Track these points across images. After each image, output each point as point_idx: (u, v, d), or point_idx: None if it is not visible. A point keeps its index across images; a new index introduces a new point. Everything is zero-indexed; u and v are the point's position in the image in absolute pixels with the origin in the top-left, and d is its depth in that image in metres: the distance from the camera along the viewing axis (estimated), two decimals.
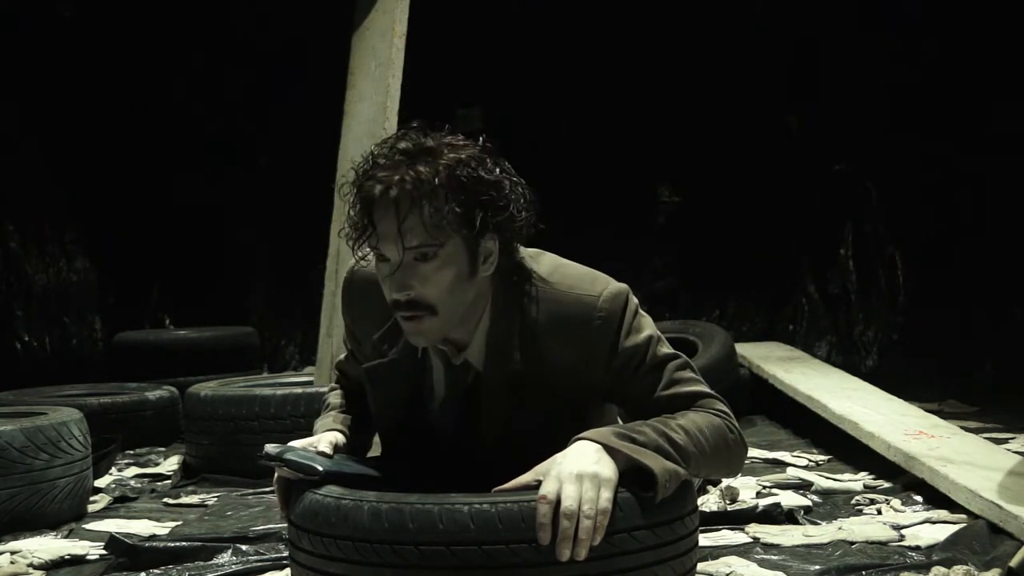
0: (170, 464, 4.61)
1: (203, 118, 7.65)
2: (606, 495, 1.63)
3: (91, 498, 3.79)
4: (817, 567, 2.74)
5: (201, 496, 3.95)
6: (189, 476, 4.30)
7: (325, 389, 2.33)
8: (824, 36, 7.41)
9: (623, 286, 1.88)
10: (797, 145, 7.54)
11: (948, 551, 2.81)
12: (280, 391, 4.28)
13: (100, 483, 4.10)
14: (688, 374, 1.88)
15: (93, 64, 7.41)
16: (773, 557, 2.86)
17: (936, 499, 3.35)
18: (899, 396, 4.75)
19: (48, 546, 3.17)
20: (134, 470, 4.57)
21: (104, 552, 3.07)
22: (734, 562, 2.79)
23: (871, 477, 3.89)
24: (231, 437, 4.20)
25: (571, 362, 1.84)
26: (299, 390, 4.28)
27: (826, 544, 2.96)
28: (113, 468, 4.50)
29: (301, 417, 4.04)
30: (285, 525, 1.92)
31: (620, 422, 2.00)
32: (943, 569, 2.64)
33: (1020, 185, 6.74)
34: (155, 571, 2.90)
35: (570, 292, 1.86)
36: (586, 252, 2.05)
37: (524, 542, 1.61)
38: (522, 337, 1.85)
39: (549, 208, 1.88)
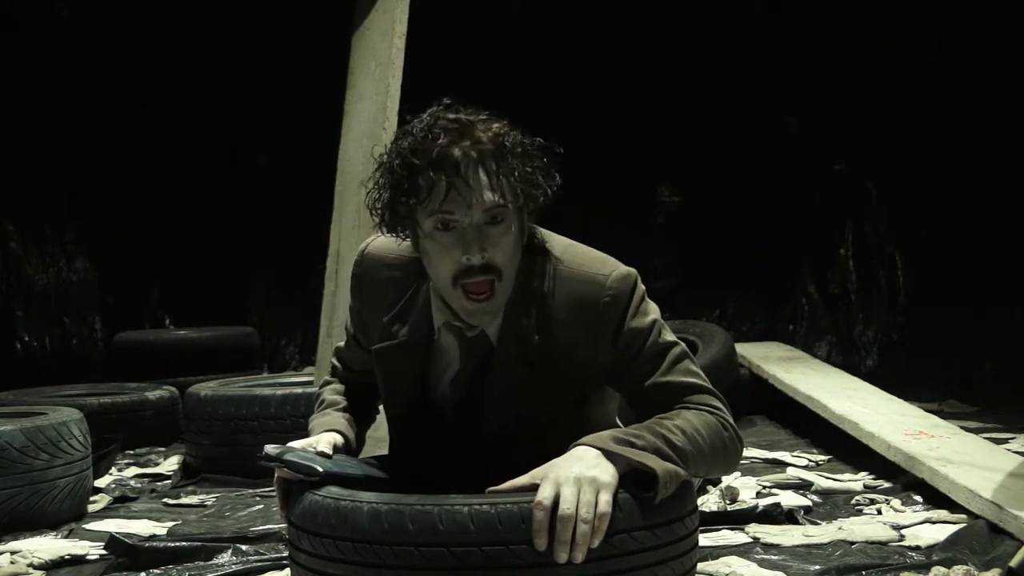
0: (170, 464, 4.61)
1: (203, 118, 7.64)
2: (605, 498, 1.63)
3: (91, 498, 3.79)
4: (817, 567, 2.74)
5: (201, 496, 3.95)
6: (189, 476, 4.30)
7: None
8: (824, 35, 7.41)
9: (632, 270, 1.91)
10: (797, 145, 7.54)
11: (948, 551, 2.81)
12: (280, 391, 4.29)
13: (100, 483, 4.11)
14: (687, 365, 1.89)
15: (92, 64, 7.41)
16: (773, 557, 2.86)
17: (936, 499, 3.35)
18: (899, 396, 4.75)
19: (48, 546, 3.17)
20: (134, 470, 4.57)
21: (104, 552, 3.07)
22: (734, 562, 2.79)
23: (871, 477, 3.89)
24: (231, 437, 4.20)
25: (578, 340, 1.85)
26: (299, 390, 4.29)
27: (826, 544, 2.96)
28: (113, 468, 4.50)
29: (301, 417, 4.04)
30: (285, 525, 1.92)
31: (618, 420, 2.01)
32: (943, 569, 2.64)
33: (1020, 185, 6.74)
34: (155, 571, 2.90)
35: (581, 270, 1.88)
36: None
37: (524, 543, 1.61)
38: (537, 312, 1.87)
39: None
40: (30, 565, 3.01)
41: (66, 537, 3.33)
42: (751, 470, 4.08)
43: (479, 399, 1.91)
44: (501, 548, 1.61)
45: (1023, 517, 2.84)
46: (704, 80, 7.48)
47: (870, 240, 7.44)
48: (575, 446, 1.71)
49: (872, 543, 2.96)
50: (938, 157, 7.07)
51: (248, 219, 7.82)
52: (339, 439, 1.99)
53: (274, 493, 1.93)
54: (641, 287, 1.90)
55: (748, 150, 7.48)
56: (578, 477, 1.63)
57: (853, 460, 4.16)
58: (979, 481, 3.20)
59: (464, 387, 1.93)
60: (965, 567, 2.64)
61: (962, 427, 4.27)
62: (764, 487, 3.75)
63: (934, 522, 3.14)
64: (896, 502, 3.45)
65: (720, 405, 1.87)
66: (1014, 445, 4.38)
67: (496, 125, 1.82)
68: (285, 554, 2.79)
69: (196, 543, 3.04)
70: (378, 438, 2.18)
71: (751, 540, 3.03)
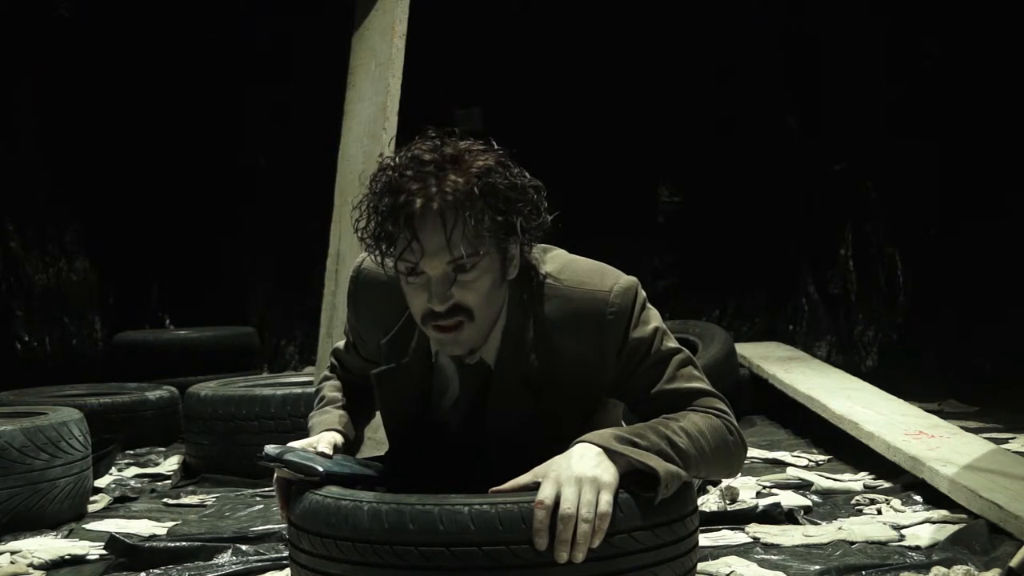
0: (170, 464, 4.61)
1: (203, 118, 7.64)
2: (606, 498, 1.63)
3: (91, 498, 3.79)
4: (817, 567, 2.74)
5: (201, 496, 3.95)
6: (189, 476, 4.30)
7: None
8: (824, 35, 7.41)
9: (632, 279, 1.89)
10: (797, 145, 7.54)
11: (948, 551, 2.82)
12: (280, 391, 4.28)
13: (100, 483, 4.11)
14: (691, 370, 1.89)
15: (93, 64, 7.41)
16: (773, 557, 2.86)
17: (936, 499, 3.36)
18: (899, 396, 4.75)
19: (48, 546, 3.17)
20: (134, 470, 4.57)
21: (104, 552, 3.07)
22: (734, 562, 2.79)
23: (871, 477, 3.89)
24: (231, 437, 4.20)
25: (582, 357, 1.84)
26: (299, 390, 4.29)
27: (826, 544, 2.96)
28: (113, 468, 4.50)
29: (301, 417, 4.03)
30: (285, 525, 1.91)
31: (623, 423, 2.01)
32: (943, 569, 2.65)
33: (1021, 184, 6.74)
34: (155, 571, 2.90)
35: (581, 287, 1.86)
36: (586, 252, 2.05)
37: (525, 543, 1.61)
38: (535, 334, 1.85)
39: (549, 208, 1.88)
40: (30, 565, 3.01)
41: (66, 537, 3.33)
42: (751, 470, 4.08)
43: (481, 422, 1.91)
44: (502, 548, 1.61)
45: (1023, 517, 2.84)
46: (704, 80, 7.48)
47: (870, 240, 7.44)
48: (577, 443, 1.71)
49: (872, 543, 2.96)
50: (938, 157, 7.07)
51: (248, 219, 7.82)
52: (339, 439, 1.98)
53: (274, 493, 1.93)
54: (642, 295, 1.89)
55: (748, 150, 7.48)
56: (579, 476, 1.63)
57: (853, 460, 4.16)
58: (979, 481, 3.20)
59: (465, 411, 1.93)
60: (965, 567, 2.64)
61: (962, 427, 4.27)
62: (764, 487, 3.75)
63: (934, 522, 3.14)
64: (896, 502, 3.45)
65: (725, 408, 1.87)
66: (1014, 445, 4.38)
67: (478, 163, 1.75)
68: (285, 554, 2.79)
69: (196, 543, 3.04)
70: (378, 440, 2.18)
71: (751, 540, 3.03)
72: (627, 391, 1.89)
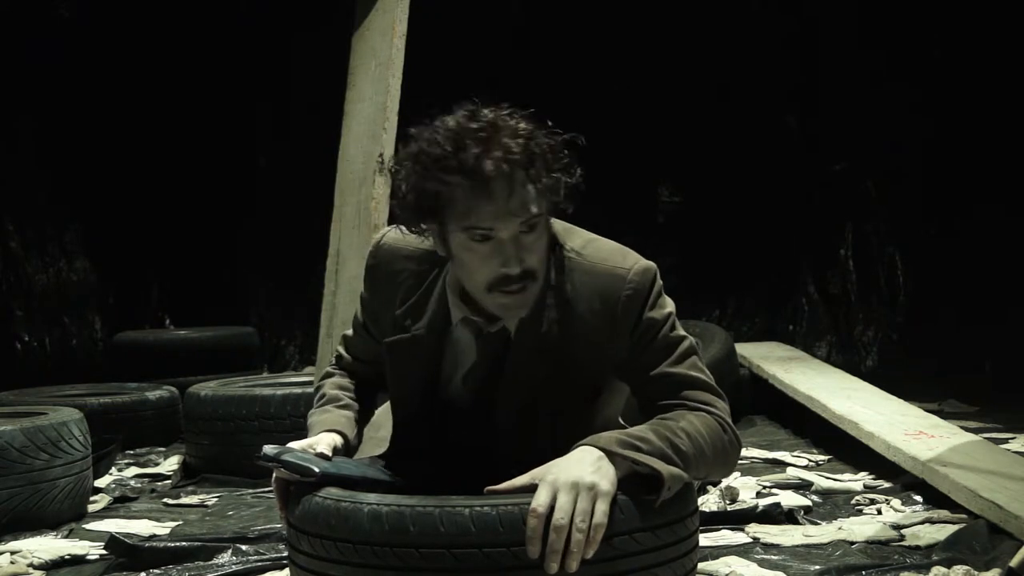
0: (170, 464, 4.61)
1: (203, 118, 7.64)
2: (601, 508, 1.62)
3: (91, 498, 3.79)
4: (817, 567, 2.74)
5: (201, 496, 3.95)
6: (189, 476, 4.30)
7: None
8: (824, 35, 7.41)
9: (652, 264, 1.91)
10: (797, 145, 7.54)
11: (948, 551, 2.81)
12: (280, 391, 4.28)
13: (100, 483, 4.10)
14: (695, 360, 1.91)
15: (93, 64, 7.41)
16: (773, 557, 2.86)
17: (936, 499, 3.35)
18: (899, 396, 4.75)
19: (48, 546, 3.17)
20: (134, 470, 4.57)
21: (104, 552, 3.07)
22: (734, 562, 2.79)
23: (871, 477, 3.89)
24: (231, 437, 4.20)
25: (597, 331, 1.86)
26: (299, 390, 4.28)
27: (826, 544, 2.96)
28: (113, 468, 4.50)
29: (301, 417, 4.00)
30: (285, 525, 1.91)
31: (621, 420, 2.01)
32: (943, 569, 2.64)
33: (1021, 184, 6.74)
34: (155, 571, 2.90)
35: (603, 264, 1.88)
36: None
37: (525, 545, 1.60)
38: (555, 305, 1.87)
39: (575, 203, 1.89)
40: (30, 565, 3.01)
41: (66, 537, 3.33)
42: (751, 470, 4.08)
43: (491, 393, 1.91)
44: (502, 550, 1.60)
45: (1023, 517, 2.84)
46: (704, 80, 7.48)
47: (870, 240, 7.44)
48: (578, 446, 1.70)
49: (872, 543, 2.96)
50: (938, 157, 7.07)
51: (248, 219, 7.82)
52: (339, 440, 1.97)
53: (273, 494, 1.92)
54: (660, 281, 1.91)
55: (748, 150, 7.48)
56: (576, 482, 1.62)
57: (853, 460, 4.16)
58: (979, 481, 3.20)
59: (477, 383, 1.93)
60: (965, 567, 2.64)
61: (962, 427, 4.27)
62: (764, 487, 3.75)
63: (934, 522, 3.13)
64: (896, 502, 3.45)
65: (721, 405, 1.88)
66: (1014, 445, 4.38)
67: (522, 127, 1.78)
68: (285, 554, 2.79)
69: (196, 543, 3.04)
70: (379, 439, 2.18)
71: (751, 540, 3.03)
72: (630, 370, 1.90)
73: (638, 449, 1.70)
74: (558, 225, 1.92)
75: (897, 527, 3.11)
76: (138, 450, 4.99)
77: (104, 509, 3.77)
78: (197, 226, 7.72)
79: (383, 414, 2.14)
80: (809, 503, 3.47)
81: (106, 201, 7.55)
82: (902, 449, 3.69)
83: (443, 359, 1.94)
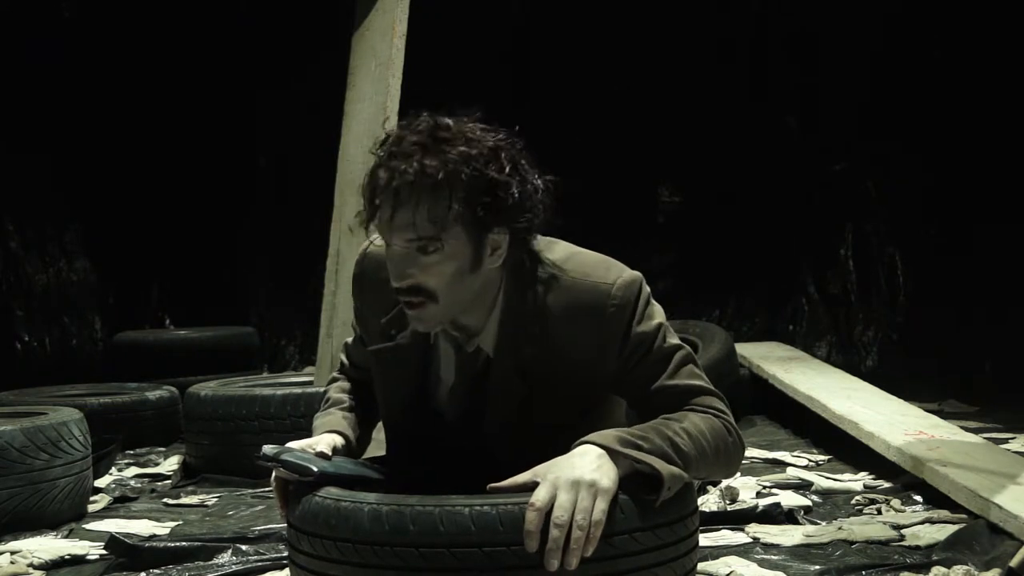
0: (170, 464, 4.61)
1: (203, 118, 7.64)
2: (601, 506, 1.61)
3: (91, 498, 3.79)
4: (817, 567, 2.74)
5: (201, 496, 3.95)
6: (189, 476, 4.30)
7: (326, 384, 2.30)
8: (824, 35, 7.41)
9: (636, 273, 1.88)
10: (797, 145, 7.54)
11: (948, 551, 2.82)
12: (280, 391, 4.28)
13: (100, 483, 4.11)
14: (691, 368, 1.88)
15: (93, 64, 7.41)
16: (773, 557, 2.86)
17: (936, 499, 3.35)
18: (899, 396, 4.75)
19: (48, 546, 3.17)
20: (134, 470, 4.57)
21: (104, 552, 3.07)
22: (734, 562, 2.79)
23: (871, 477, 3.89)
24: (231, 437, 4.20)
25: (583, 349, 1.83)
26: (299, 390, 4.28)
27: (826, 544, 2.96)
28: (113, 468, 4.50)
29: (301, 417, 4.04)
30: (285, 525, 1.91)
31: (624, 422, 2.00)
32: (943, 569, 2.65)
33: (1021, 184, 6.74)
34: (155, 571, 2.90)
35: (585, 279, 1.85)
36: None
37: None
38: (535, 323, 1.84)
39: (542, 226, 1.88)
40: (30, 565, 3.01)
41: (66, 537, 3.33)
42: (751, 470, 4.08)
43: (478, 411, 1.90)
44: (502, 549, 1.60)
45: (1023, 517, 2.84)
46: (704, 80, 7.48)
47: (870, 240, 7.44)
48: (579, 444, 1.69)
49: (872, 543, 2.96)
50: (938, 157, 7.07)
51: (248, 219, 7.82)
52: (339, 440, 1.97)
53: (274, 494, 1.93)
54: (646, 290, 1.88)
55: (748, 150, 7.48)
56: (577, 480, 1.61)
57: (853, 460, 4.16)
58: (979, 481, 3.20)
59: (462, 400, 1.92)
60: (965, 567, 2.65)
61: (962, 427, 4.27)
62: (764, 487, 3.75)
63: (934, 522, 3.14)
64: (896, 502, 3.45)
65: (724, 408, 1.86)
66: (1014, 445, 4.38)
67: (463, 148, 1.73)
68: (285, 554, 2.79)
69: (196, 543, 3.04)
70: (379, 440, 2.18)
71: (751, 540, 3.03)
72: (627, 386, 1.88)
73: (639, 448, 1.70)
74: (540, 241, 1.88)
75: (897, 527, 3.11)
76: (138, 450, 4.99)
77: (104, 509, 3.77)
78: (197, 226, 7.72)
79: None
80: (809, 503, 3.47)
81: (106, 201, 7.55)
82: (902, 449, 3.69)
83: (428, 369, 1.94)
